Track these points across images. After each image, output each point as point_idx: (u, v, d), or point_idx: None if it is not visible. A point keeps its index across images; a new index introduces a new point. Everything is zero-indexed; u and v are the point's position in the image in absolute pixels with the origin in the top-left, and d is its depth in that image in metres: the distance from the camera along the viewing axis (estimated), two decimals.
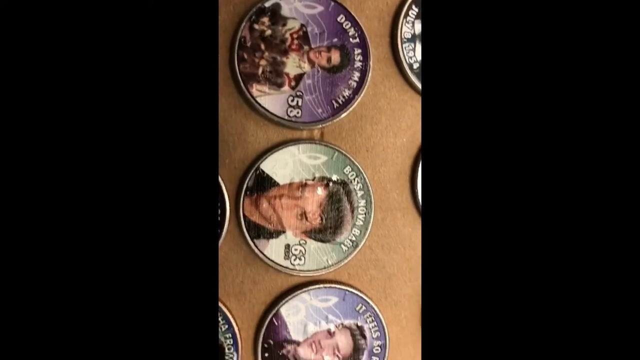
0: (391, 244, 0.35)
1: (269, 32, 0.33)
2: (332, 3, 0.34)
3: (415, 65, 0.34)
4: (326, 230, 0.34)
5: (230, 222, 0.33)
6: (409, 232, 0.35)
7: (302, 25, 0.34)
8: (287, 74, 0.33)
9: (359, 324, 0.34)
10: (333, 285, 0.34)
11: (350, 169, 0.34)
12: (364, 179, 0.34)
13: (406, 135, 0.35)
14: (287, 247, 0.34)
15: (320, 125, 0.34)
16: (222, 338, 0.34)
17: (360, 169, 0.34)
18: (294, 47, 0.34)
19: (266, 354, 0.34)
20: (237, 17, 0.34)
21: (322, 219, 0.34)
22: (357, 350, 0.34)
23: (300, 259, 0.34)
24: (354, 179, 0.34)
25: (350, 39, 0.34)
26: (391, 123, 0.35)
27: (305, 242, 0.34)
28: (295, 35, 0.34)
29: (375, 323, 0.34)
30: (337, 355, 0.34)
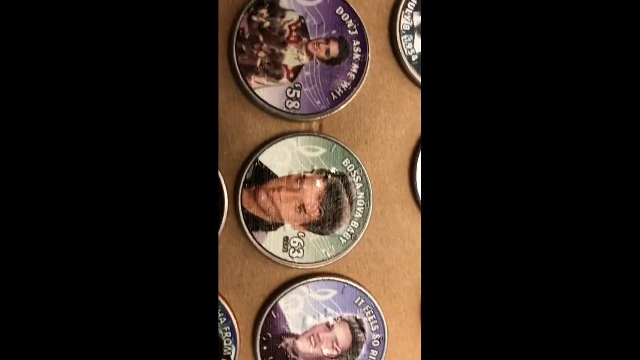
0: (390, 237, 0.35)
1: (267, 24, 0.33)
2: None
3: (414, 58, 0.34)
4: (325, 222, 0.34)
5: (228, 215, 0.33)
6: (408, 225, 0.35)
7: (301, 18, 0.34)
8: (286, 66, 0.33)
9: (358, 317, 0.34)
10: (332, 278, 0.34)
11: (349, 162, 0.34)
12: (363, 171, 0.34)
13: (405, 127, 0.35)
14: (286, 239, 0.33)
15: (319, 118, 0.34)
16: (220, 331, 0.33)
17: (359, 161, 0.34)
18: (292, 39, 0.34)
19: (265, 348, 0.34)
20: (236, 9, 0.33)
21: (320, 212, 0.34)
22: (356, 343, 0.34)
23: (299, 251, 0.33)
24: (353, 172, 0.34)
25: (349, 31, 0.34)
26: (390, 115, 0.34)
27: (304, 234, 0.34)
28: (293, 28, 0.34)
29: (375, 316, 0.34)
30: (336, 349, 0.34)
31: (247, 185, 0.33)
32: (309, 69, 0.33)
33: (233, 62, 0.33)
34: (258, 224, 0.33)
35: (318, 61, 0.34)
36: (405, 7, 0.34)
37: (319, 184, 0.34)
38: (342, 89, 0.34)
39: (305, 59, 0.34)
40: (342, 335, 0.34)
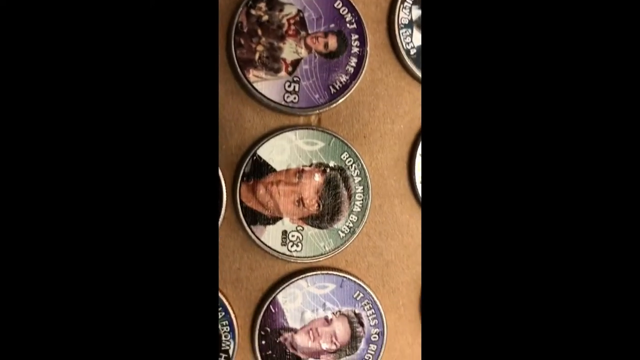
0: (389, 230, 0.35)
1: (265, 17, 0.33)
2: None
3: (413, 51, 0.34)
4: (323, 216, 0.34)
5: (227, 209, 0.33)
6: (407, 219, 0.35)
7: (299, 11, 0.34)
8: (284, 60, 0.33)
9: (357, 311, 0.34)
10: (330, 272, 0.34)
11: (348, 155, 0.34)
12: (362, 165, 0.34)
13: (404, 121, 0.35)
14: (284, 233, 0.33)
15: (318, 111, 0.34)
16: (218, 325, 0.33)
17: (358, 155, 0.34)
18: (291, 32, 0.33)
19: (263, 342, 0.34)
20: (234, 3, 0.33)
21: (319, 205, 0.34)
22: (354, 337, 0.34)
23: (297, 245, 0.33)
24: (352, 165, 0.34)
25: (348, 25, 0.34)
26: (389, 109, 0.34)
27: (303, 228, 0.33)
28: (292, 21, 0.34)
29: (373, 310, 0.34)
30: (335, 343, 0.34)
31: (245, 178, 0.33)
32: (307, 63, 0.33)
33: (231, 56, 0.33)
34: (256, 218, 0.33)
35: (316, 55, 0.34)
36: (404, 0, 0.34)
37: (318, 178, 0.34)
38: (341, 82, 0.34)
39: (303, 52, 0.33)
40: (341, 330, 0.34)
